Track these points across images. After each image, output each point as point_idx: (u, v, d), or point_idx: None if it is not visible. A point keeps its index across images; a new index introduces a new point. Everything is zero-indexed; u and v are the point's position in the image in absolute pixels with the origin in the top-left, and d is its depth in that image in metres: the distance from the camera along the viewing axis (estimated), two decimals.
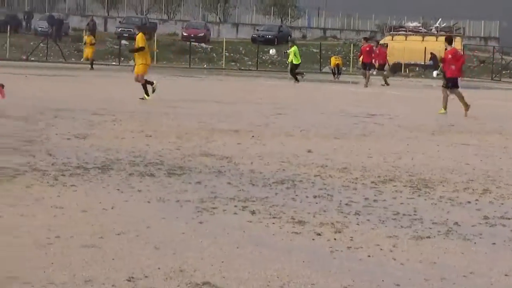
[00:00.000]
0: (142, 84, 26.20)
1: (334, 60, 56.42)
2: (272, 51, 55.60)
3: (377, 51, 45.09)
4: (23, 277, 6.44)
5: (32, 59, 61.53)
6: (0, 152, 12.68)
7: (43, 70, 45.12)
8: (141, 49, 26.73)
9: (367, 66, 43.90)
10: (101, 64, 55.37)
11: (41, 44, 66.02)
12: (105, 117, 19.22)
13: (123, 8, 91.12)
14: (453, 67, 25.68)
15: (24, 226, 8.17)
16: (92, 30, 67.15)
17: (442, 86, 26.38)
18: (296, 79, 44.10)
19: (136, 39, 27.29)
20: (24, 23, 77.39)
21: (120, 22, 79.39)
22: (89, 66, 49.47)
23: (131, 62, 50.29)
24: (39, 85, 32.13)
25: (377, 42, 50.82)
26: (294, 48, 45.77)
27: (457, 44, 69.22)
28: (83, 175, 11.15)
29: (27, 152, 12.86)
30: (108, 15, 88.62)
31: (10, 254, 7.13)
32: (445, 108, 25.38)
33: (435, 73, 48.67)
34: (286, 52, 49.81)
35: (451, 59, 25.80)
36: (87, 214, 8.88)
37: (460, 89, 25.79)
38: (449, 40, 26.61)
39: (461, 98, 25.53)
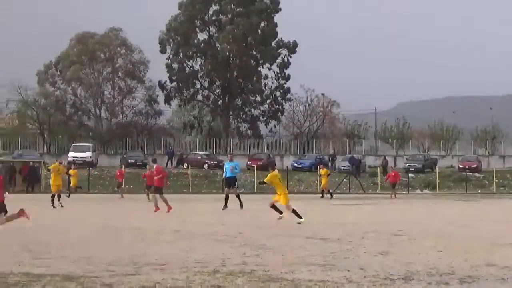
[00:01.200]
0: (292, 211, 23.86)
1: None
2: None
3: None
4: None
5: (338, 192, 62.61)
6: (322, 269, 12.88)
7: (347, 200, 45.71)
8: (261, 183, 25.73)
9: None
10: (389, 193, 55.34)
11: (344, 179, 67.18)
12: (402, 237, 19.11)
13: (409, 148, 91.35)
14: None
15: None
16: (384, 167, 67.73)
17: None
18: None
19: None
20: (329, 164, 79.14)
21: (407, 159, 79.60)
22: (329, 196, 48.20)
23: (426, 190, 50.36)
24: (345, 213, 32.52)
25: None
26: None
27: None
28: (390, 285, 11.12)
29: (343, 267, 13.00)
30: (397, 154, 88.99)
31: None
32: None
33: None
34: None
35: None
36: None
37: None
38: None
39: None
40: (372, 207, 37.63)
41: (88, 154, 72.47)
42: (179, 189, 62.87)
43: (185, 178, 66.51)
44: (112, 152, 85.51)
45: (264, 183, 25.55)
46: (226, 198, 31.94)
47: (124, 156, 75.38)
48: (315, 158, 77.31)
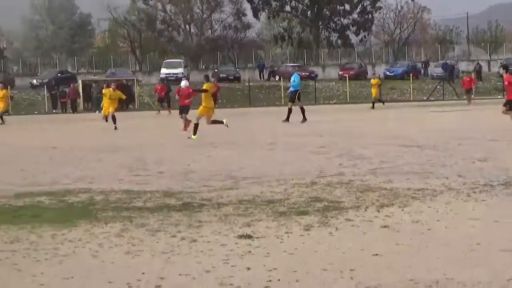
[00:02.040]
0: (194, 125, 23.98)
1: None
2: None
3: None
4: (456, 278, 6.38)
5: (432, 99, 61.72)
6: (420, 177, 12.74)
7: (441, 107, 44.97)
8: (204, 91, 24.46)
9: None
10: (485, 99, 54.10)
11: (437, 86, 66.09)
12: (500, 142, 18.72)
13: (502, 52, 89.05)
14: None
15: (451, 237, 8.10)
16: (478, 72, 66.20)
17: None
18: None
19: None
20: (422, 71, 77.88)
21: (501, 63, 77.52)
22: (371, 105, 46.42)
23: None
24: (439, 120, 32.05)
25: None
26: None
27: None
28: (490, 191, 10.93)
29: (441, 175, 12.83)
30: (491, 58, 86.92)
31: (443, 257, 7.09)
32: None
33: None
34: None
35: (507, 85, 23.50)
36: (499, 224, 8.68)
37: None
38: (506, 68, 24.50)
39: None
40: (467, 113, 36.99)
41: (180, 70, 72.77)
42: (271, 102, 62.93)
43: (278, 90, 66.39)
44: (204, 67, 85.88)
45: (206, 90, 24.66)
46: (303, 110, 31.65)
47: (216, 70, 75.47)
48: (407, 66, 76.15)
